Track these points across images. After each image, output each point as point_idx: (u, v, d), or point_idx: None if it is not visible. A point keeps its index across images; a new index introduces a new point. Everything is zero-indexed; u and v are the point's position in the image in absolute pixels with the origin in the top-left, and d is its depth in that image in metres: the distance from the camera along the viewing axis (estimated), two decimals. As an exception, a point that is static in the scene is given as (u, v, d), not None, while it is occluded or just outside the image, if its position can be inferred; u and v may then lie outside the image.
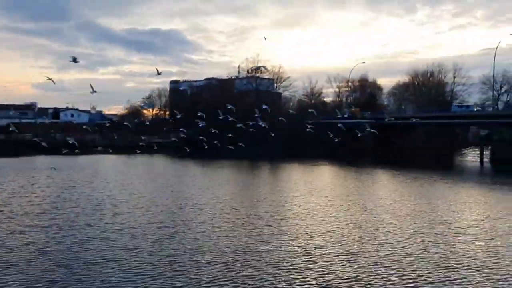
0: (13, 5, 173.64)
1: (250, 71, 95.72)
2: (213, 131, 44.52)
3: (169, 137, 77.58)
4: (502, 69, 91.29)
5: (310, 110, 63.59)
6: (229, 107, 39.62)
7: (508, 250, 17.37)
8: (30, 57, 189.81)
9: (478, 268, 15.16)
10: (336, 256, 16.47)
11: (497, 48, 76.09)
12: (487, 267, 15.32)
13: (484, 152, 67.74)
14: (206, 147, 49.01)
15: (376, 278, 14.17)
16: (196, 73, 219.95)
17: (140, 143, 62.04)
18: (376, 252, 16.92)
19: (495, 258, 16.38)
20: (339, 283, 13.85)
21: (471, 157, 74.03)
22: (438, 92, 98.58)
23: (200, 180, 39.44)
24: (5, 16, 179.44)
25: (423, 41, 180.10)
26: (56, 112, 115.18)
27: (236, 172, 49.58)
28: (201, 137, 49.41)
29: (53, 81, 29.90)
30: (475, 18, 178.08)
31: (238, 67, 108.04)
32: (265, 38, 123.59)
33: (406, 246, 17.87)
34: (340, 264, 15.52)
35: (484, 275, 14.54)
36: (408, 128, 73.88)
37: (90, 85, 28.43)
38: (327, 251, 17.10)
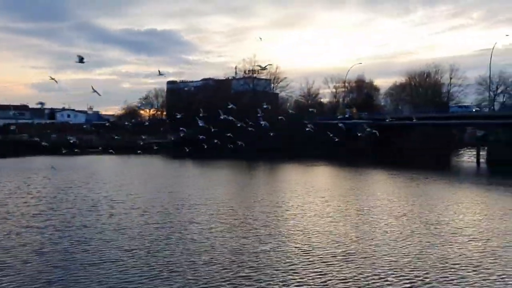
0: (9, 5, 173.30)
1: (255, 71, 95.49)
2: (212, 130, 44.67)
3: (166, 137, 77.64)
4: (498, 70, 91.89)
5: (310, 109, 63.89)
6: (229, 106, 39.64)
7: (505, 251, 17.42)
8: (26, 57, 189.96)
9: (475, 268, 15.19)
10: (333, 256, 16.47)
11: (493, 49, 76.47)
12: (484, 267, 15.35)
13: (481, 153, 67.96)
14: (205, 146, 49.17)
15: (373, 279, 14.17)
16: (193, 73, 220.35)
17: (141, 143, 62.17)
18: (373, 253, 16.93)
19: (492, 258, 16.42)
20: (337, 283, 13.85)
21: (467, 157, 74.23)
22: (435, 92, 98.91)
23: (197, 181, 39.39)
24: (1, 15, 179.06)
25: (420, 41, 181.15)
26: (52, 112, 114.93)
27: (234, 172, 49.58)
28: (200, 136, 49.55)
29: (55, 80, 29.95)
30: (471, 19, 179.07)
31: (235, 67, 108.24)
32: (260, 39, 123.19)
33: (403, 246, 17.90)
34: (338, 265, 15.52)
35: (481, 275, 14.57)
36: (406, 128, 74.12)
37: (92, 87, 28.55)
38: (325, 251, 17.10)
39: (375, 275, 14.50)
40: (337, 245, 18.03)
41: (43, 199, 28.23)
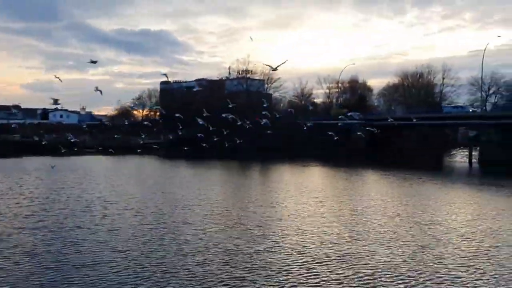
0: (2, 5, 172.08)
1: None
2: (211, 128, 44.91)
3: (159, 137, 77.44)
4: (490, 71, 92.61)
5: (310, 108, 64.10)
6: (230, 105, 39.74)
7: (497, 250, 17.54)
8: (18, 57, 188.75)
9: (468, 268, 15.27)
10: (327, 257, 16.48)
11: (485, 50, 76.89)
12: (477, 267, 15.44)
13: (473, 153, 68.41)
14: (204, 145, 49.38)
15: (367, 279, 14.21)
16: (187, 73, 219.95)
17: (141, 142, 61.99)
18: (367, 253, 16.97)
19: (485, 258, 16.53)
20: (331, 284, 13.86)
21: (460, 157, 74.71)
22: (427, 93, 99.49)
23: (192, 181, 39.31)
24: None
25: (413, 42, 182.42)
26: (45, 112, 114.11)
27: (229, 172, 49.60)
28: (199, 135, 49.72)
29: (60, 79, 29.81)
30: (464, 20, 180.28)
31: (229, 68, 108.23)
32: (251, 39, 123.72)
33: (396, 246, 17.96)
34: (332, 265, 15.53)
35: (474, 275, 14.65)
36: (403, 129, 74.31)
37: (96, 87, 28.72)
38: (319, 252, 17.12)
39: (369, 275, 14.53)
40: (331, 245, 18.05)
41: (35, 199, 27.99)
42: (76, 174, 42.41)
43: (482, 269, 15.25)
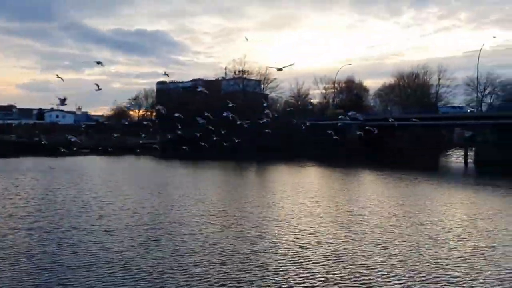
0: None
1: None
2: (210, 127, 45.10)
3: (155, 137, 77.23)
4: (486, 71, 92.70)
5: (310, 107, 64.26)
6: (230, 105, 39.79)
7: (493, 250, 17.59)
8: (13, 57, 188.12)
9: (464, 268, 15.30)
10: (323, 257, 16.49)
11: (480, 50, 77.18)
12: (473, 267, 15.48)
13: (468, 153, 68.57)
14: (203, 144, 49.53)
15: (364, 279, 14.21)
16: (183, 74, 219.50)
17: (141, 141, 61.93)
18: (363, 253, 16.98)
19: (481, 258, 16.58)
20: (327, 284, 13.87)
21: (455, 158, 74.87)
22: (423, 93, 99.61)
23: (188, 181, 39.24)
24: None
25: (409, 43, 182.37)
26: (40, 113, 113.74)
27: (226, 173, 49.54)
28: (198, 134, 49.84)
29: (62, 79, 29.66)
30: (459, 21, 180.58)
31: (225, 68, 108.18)
32: (246, 39, 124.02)
33: (392, 246, 17.98)
34: (328, 265, 15.54)
35: (470, 275, 14.68)
36: (397, 129, 74.32)
37: (96, 85, 28.53)
38: (315, 252, 17.12)
39: (365, 275, 14.54)
40: (327, 245, 18.06)
41: (31, 200, 27.90)
42: (73, 174, 42.27)
43: (478, 269, 15.29)
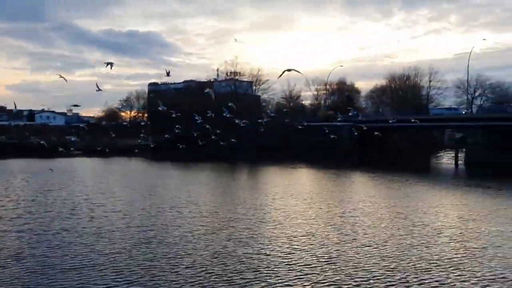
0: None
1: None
2: (207, 126, 45.13)
3: (147, 139, 76.91)
4: (476, 73, 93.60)
5: (302, 108, 64.49)
6: (229, 104, 39.78)
7: (484, 251, 17.70)
8: (3, 58, 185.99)
9: (455, 270, 15.38)
10: (316, 259, 16.49)
11: (471, 53, 78.02)
12: (464, 268, 15.57)
13: (459, 155, 69.12)
14: (201, 142, 49.61)
15: (356, 281, 14.23)
16: (175, 75, 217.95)
17: (139, 141, 61.75)
18: (355, 255, 17.01)
19: (472, 259, 16.67)
20: (320, 286, 13.86)
21: (446, 159, 75.36)
22: (414, 95, 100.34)
23: (180, 183, 39.11)
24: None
25: (400, 45, 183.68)
26: (31, 114, 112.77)
27: (218, 175, 49.43)
28: (195, 134, 49.85)
29: (65, 79, 29.29)
30: (450, 23, 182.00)
31: (217, 69, 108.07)
32: (235, 40, 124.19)
33: (384, 248, 18.02)
34: (320, 267, 15.54)
35: (460, 276, 14.76)
36: (394, 130, 74.61)
37: (96, 84, 28.32)
38: (307, 254, 17.12)
39: (358, 277, 14.56)
40: (319, 247, 18.06)
41: (21, 202, 27.64)
42: (67, 175, 41.93)
43: (469, 270, 15.37)
